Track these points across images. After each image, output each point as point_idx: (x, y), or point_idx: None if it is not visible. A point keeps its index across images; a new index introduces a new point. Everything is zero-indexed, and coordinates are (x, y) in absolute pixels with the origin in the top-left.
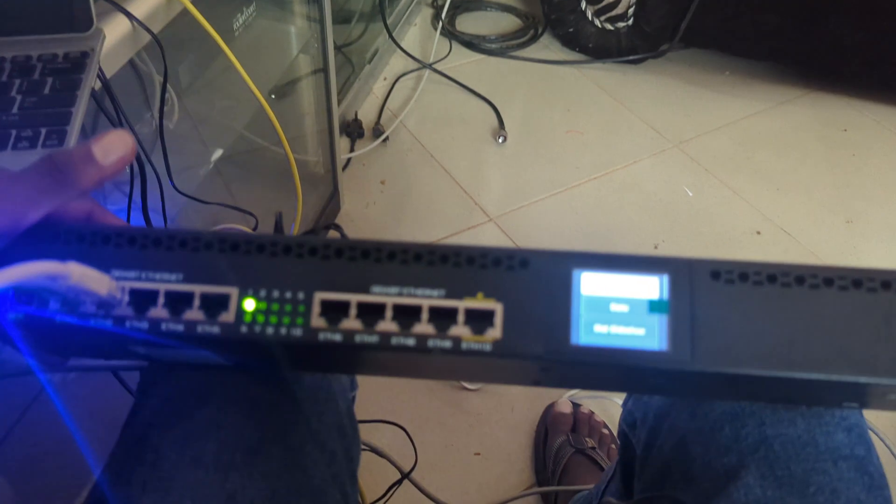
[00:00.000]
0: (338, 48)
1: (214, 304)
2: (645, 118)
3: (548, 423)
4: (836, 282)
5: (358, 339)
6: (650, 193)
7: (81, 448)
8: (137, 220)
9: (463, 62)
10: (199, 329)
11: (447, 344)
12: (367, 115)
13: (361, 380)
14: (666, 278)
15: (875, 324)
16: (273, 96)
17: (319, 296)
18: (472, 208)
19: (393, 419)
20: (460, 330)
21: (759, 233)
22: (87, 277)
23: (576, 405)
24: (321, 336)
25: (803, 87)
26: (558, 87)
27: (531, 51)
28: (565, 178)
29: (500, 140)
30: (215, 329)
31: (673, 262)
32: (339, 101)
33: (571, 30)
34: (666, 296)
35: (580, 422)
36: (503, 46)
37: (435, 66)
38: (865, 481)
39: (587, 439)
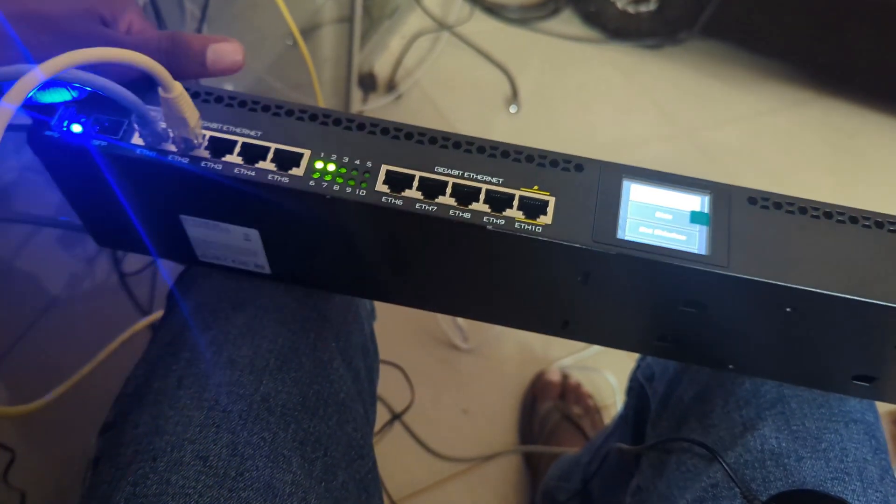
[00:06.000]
0: None
1: (287, 160)
2: (657, 104)
3: (536, 390)
4: (861, 221)
5: (418, 206)
6: None
7: None
8: None
9: (483, 28)
10: (269, 177)
11: (501, 221)
12: (381, 70)
13: None
14: (707, 197)
15: (891, 259)
16: (290, 43)
17: (386, 167)
18: None
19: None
20: (514, 213)
21: None
22: (185, 100)
23: (564, 375)
24: (383, 199)
25: (816, 90)
26: (574, 64)
27: (551, 24)
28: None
29: (513, 109)
30: (284, 179)
31: (714, 185)
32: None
33: (593, 9)
34: (707, 209)
35: (568, 391)
36: (524, 17)
37: (455, 29)
38: (872, 444)
39: (574, 407)
